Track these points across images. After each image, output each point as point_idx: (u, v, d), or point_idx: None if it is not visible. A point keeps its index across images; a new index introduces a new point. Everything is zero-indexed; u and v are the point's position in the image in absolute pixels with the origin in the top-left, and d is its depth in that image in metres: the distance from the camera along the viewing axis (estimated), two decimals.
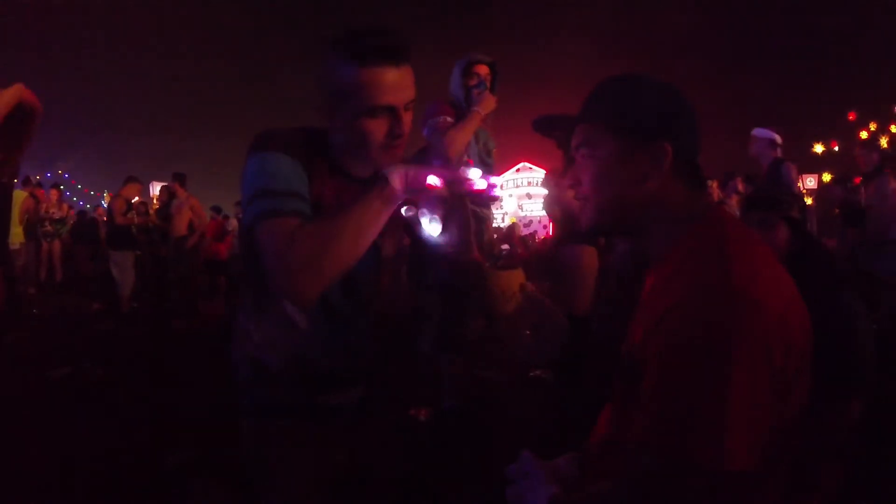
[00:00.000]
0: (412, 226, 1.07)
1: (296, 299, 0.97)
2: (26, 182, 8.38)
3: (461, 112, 2.72)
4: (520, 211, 24.04)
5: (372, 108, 1.00)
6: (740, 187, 5.05)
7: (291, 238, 0.92)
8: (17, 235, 7.63)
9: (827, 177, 15.27)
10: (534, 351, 0.98)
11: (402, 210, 1.01)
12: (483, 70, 2.81)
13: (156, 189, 10.46)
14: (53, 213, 8.89)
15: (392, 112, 1.01)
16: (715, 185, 5.32)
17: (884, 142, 12.02)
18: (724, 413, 0.69)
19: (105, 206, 11.08)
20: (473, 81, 2.78)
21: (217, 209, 9.81)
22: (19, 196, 7.71)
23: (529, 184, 24.05)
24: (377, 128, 1.02)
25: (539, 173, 22.53)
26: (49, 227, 8.86)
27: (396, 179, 0.96)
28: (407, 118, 1.05)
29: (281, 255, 0.92)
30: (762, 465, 0.73)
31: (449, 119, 2.63)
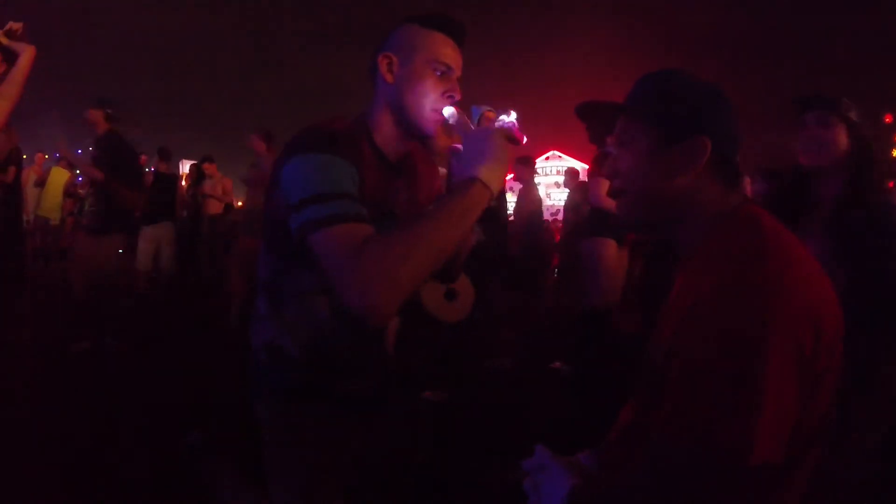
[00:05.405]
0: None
1: (373, 315, 0.86)
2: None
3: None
4: (548, 199, 23.74)
5: (437, 61, 1.11)
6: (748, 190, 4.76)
7: (362, 248, 0.87)
8: (54, 212, 7.80)
9: None
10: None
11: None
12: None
13: (185, 167, 10.43)
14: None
15: (450, 73, 1.12)
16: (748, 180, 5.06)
17: None
18: (755, 401, 0.68)
19: None
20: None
21: None
22: (62, 175, 7.84)
23: (558, 172, 23.71)
24: (436, 82, 1.11)
25: (568, 162, 22.24)
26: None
27: (495, 181, 0.96)
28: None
29: (352, 268, 0.86)
30: (785, 464, 0.71)
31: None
